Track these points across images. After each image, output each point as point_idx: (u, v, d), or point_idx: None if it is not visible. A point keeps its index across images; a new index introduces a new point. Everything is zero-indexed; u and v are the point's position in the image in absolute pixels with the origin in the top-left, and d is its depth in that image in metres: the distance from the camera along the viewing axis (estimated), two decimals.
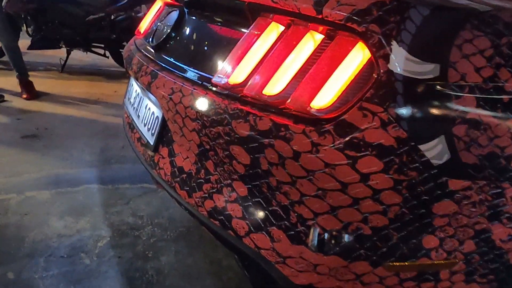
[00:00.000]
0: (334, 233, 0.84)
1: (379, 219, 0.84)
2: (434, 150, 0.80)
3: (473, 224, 0.89)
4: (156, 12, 1.58)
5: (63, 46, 3.97)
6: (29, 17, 3.75)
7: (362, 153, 0.77)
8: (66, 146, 2.34)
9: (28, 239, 1.50)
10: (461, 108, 0.79)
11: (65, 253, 1.45)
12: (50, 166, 2.09)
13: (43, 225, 1.59)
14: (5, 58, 3.81)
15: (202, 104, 0.97)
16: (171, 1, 1.44)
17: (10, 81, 3.30)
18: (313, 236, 0.84)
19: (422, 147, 0.79)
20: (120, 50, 4.19)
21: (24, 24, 3.80)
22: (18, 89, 3.20)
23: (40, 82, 3.42)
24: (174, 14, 1.38)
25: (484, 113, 0.81)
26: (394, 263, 0.89)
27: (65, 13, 3.71)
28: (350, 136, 0.76)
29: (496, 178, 0.86)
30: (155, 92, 1.17)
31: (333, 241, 0.84)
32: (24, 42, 3.93)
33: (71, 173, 2.03)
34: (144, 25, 1.62)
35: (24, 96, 3.15)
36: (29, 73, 3.30)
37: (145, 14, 1.83)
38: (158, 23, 1.47)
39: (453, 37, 0.78)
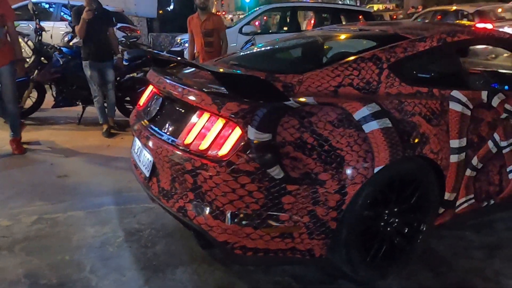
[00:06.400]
0: (234, 212, 1.78)
1: (254, 205, 1.77)
2: (275, 171, 1.75)
3: (305, 207, 1.82)
4: (149, 94, 2.57)
5: (79, 104, 5.02)
6: (53, 84, 4.82)
7: (239, 174, 1.72)
8: (90, 183, 3.30)
9: (74, 238, 2.43)
10: (285, 153, 1.75)
11: (98, 245, 2.38)
12: (80, 195, 3.04)
13: (82, 231, 2.52)
14: (34, 114, 4.85)
15: (171, 154, 1.94)
16: (156, 91, 2.43)
17: (42, 135, 4.31)
18: (224, 214, 1.78)
19: (269, 170, 1.74)
20: (125, 103, 5.23)
21: (50, 88, 4.87)
22: (51, 139, 4.23)
23: (63, 134, 4.42)
24: (159, 100, 2.36)
25: (298, 155, 1.76)
26: (265, 228, 1.81)
27: (81, 79, 4.75)
28: (233, 166, 1.72)
29: (310, 184, 1.79)
30: (148, 148, 2.14)
31: (233, 217, 1.78)
32: (49, 101, 5.01)
33: (95, 199, 2.98)
34: (142, 100, 2.62)
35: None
36: (52, 126, 4.32)
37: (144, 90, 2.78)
38: (150, 103, 2.45)
39: (278, 121, 1.75)
